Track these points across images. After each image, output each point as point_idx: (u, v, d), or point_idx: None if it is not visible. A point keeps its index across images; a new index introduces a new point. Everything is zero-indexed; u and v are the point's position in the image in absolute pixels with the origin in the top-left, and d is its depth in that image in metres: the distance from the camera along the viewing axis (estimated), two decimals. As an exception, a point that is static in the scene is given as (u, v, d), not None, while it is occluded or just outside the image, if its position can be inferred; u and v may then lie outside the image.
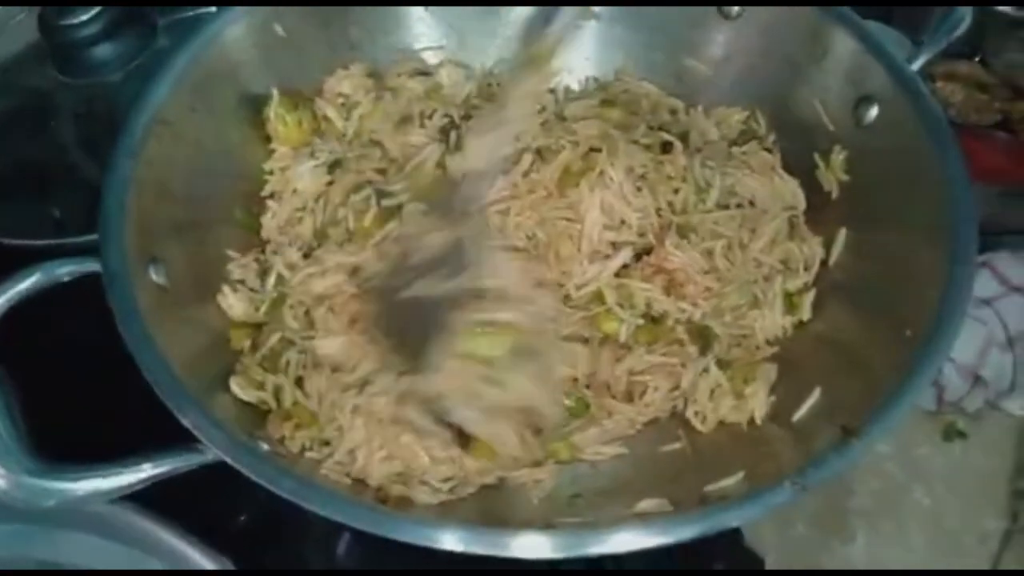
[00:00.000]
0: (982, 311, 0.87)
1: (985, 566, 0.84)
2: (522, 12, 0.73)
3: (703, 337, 0.65)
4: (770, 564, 0.77)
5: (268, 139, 0.73)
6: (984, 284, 0.89)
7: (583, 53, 0.79)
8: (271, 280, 0.65)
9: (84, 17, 0.84)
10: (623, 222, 0.66)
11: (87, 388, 0.68)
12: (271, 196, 0.72)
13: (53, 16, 0.84)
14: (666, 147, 0.69)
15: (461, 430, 0.56)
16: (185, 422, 0.50)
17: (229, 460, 0.48)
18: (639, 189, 0.66)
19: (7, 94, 0.89)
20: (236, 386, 0.58)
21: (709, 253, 0.66)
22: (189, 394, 0.52)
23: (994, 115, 0.98)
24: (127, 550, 0.58)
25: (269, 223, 0.70)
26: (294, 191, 0.70)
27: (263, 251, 0.69)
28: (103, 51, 0.87)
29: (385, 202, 0.66)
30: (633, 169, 0.66)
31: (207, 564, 0.60)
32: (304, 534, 0.75)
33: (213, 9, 0.71)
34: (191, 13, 0.89)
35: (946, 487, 0.87)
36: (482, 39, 0.79)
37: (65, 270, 0.57)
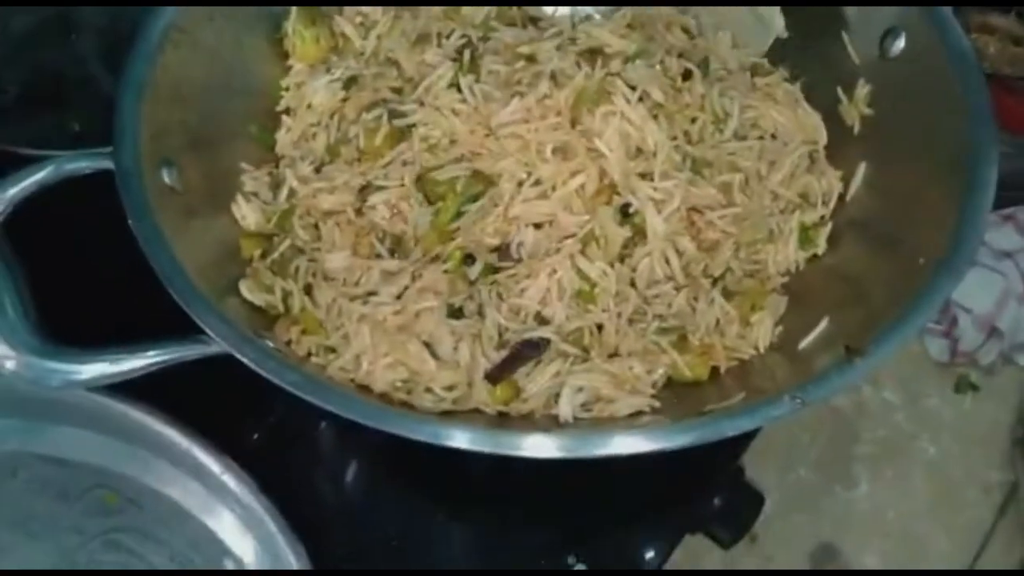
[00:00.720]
0: (1002, 263, 0.86)
1: (988, 518, 0.83)
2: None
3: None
4: (771, 503, 0.77)
5: (285, 55, 0.73)
6: (1007, 237, 0.88)
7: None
8: (283, 192, 0.65)
9: (109, -70, 0.84)
10: (640, 151, 0.64)
11: (97, 278, 0.69)
12: (286, 112, 0.71)
13: (77, -70, 0.84)
14: (686, 75, 0.68)
15: (493, 372, 0.57)
16: (192, 314, 0.50)
17: (235, 352, 0.49)
18: (655, 117, 0.65)
19: (30, 7, 0.88)
20: (245, 289, 0.59)
21: (727, 187, 0.65)
22: (197, 288, 0.52)
23: (1027, 68, 0.96)
24: (130, 447, 0.59)
25: (283, 138, 0.70)
26: (308, 106, 0.69)
27: (276, 166, 0.69)
28: (128, -37, 0.87)
29: (397, 122, 0.65)
30: (650, 95, 0.65)
31: (213, 465, 0.61)
32: (314, 458, 0.77)
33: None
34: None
35: (953, 438, 0.87)
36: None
37: (78, 165, 0.58)
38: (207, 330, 0.50)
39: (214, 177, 0.65)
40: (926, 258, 0.55)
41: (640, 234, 0.62)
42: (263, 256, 0.63)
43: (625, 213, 0.63)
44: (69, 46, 0.85)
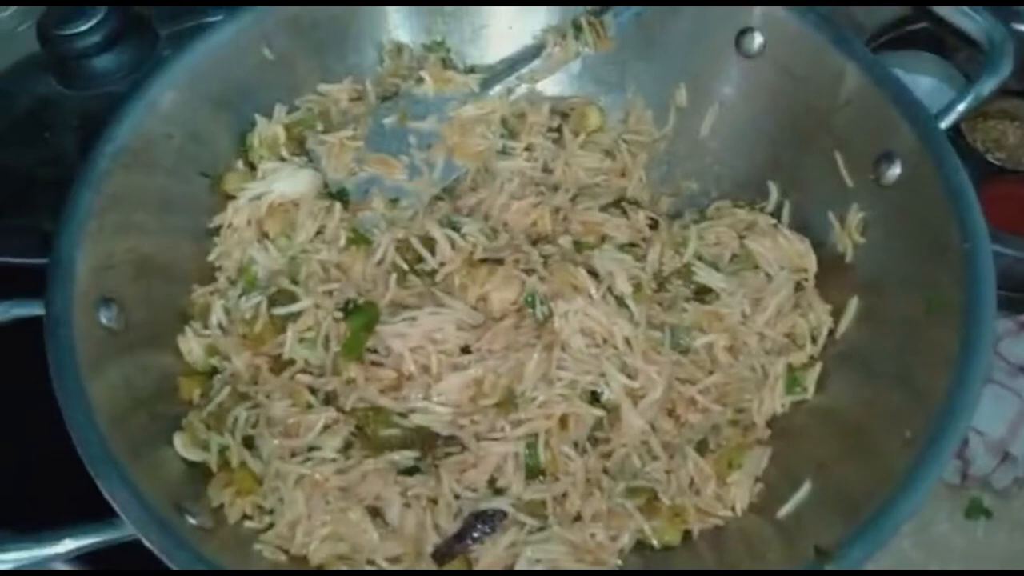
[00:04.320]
0: (1018, 381, 0.80)
1: (1004, 663, 0.76)
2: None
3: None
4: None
5: (252, 166, 0.70)
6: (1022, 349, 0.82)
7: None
8: (212, 319, 0.62)
9: (84, 27, 0.82)
10: (605, 341, 0.59)
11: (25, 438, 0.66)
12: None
13: (52, 26, 0.82)
14: (653, 224, 0.66)
15: (441, 548, 0.54)
16: (105, 493, 0.47)
17: (144, 539, 0.45)
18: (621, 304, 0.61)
19: (5, 105, 0.87)
20: (180, 445, 0.55)
21: (709, 347, 0.61)
22: (116, 460, 0.49)
23: (1047, 161, 0.89)
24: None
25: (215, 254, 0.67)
26: (230, 225, 0.67)
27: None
28: (104, 62, 0.85)
29: (276, 310, 0.61)
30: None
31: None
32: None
33: (217, 18, 0.70)
34: (193, 23, 0.86)
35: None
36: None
37: (16, 313, 0.55)
38: (118, 510, 0.46)
39: (159, 309, 0.62)
40: (913, 433, 0.50)
41: (615, 413, 0.58)
42: (203, 396, 0.59)
43: (596, 398, 0.58)
44: (41, 145, 0.83)
